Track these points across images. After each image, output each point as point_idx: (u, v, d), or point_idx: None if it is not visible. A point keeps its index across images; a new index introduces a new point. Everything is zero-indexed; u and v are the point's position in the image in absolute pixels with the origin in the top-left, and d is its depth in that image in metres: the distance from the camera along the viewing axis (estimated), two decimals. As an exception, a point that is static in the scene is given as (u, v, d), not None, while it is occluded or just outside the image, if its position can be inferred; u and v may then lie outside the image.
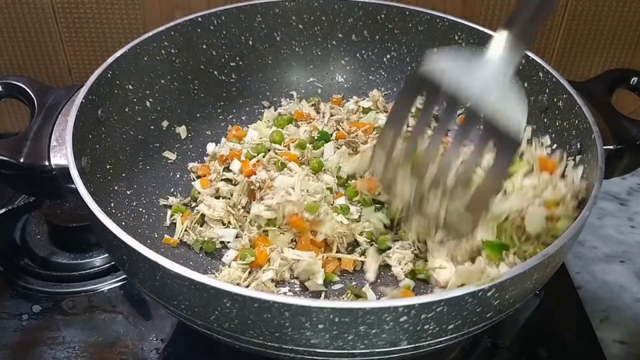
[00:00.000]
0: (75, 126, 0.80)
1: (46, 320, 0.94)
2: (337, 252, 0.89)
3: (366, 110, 1.11)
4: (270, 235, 0.89)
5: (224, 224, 0.93)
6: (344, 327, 0.61)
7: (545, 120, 0.96)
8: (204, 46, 1.07)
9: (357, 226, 0.91)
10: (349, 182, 0.99)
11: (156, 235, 0.92)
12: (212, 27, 1.06)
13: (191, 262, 0.90)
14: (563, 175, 0.88)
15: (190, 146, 1.07)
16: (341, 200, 0.95)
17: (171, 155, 1.04)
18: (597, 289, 1.06)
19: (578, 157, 0.87)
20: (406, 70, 1.14)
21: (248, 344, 0.67)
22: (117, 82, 0.94)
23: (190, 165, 1.04)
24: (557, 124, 0.93)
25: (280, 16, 1.11)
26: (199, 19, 1.04)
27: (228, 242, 0.92)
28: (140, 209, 0.93)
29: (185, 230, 0.92)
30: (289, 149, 1.02)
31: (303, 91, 1.16)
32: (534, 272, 0.66)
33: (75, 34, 1.24)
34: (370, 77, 1.17)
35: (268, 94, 1.16)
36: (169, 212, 0.95)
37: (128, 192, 0.93)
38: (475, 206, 0.75)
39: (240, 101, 1.13)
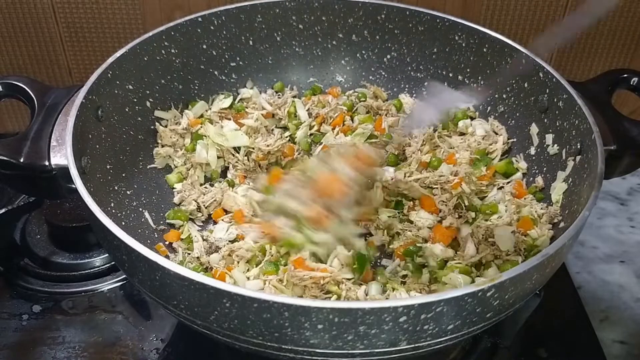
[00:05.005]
0: (75, 126, 0.80)
1: (46, 320, 0.94)
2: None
3: (364, 96, 1.12)
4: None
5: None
6: (343, 327, 0.61)
7: (546, 120, 0.96)
8: (204, 46, 1.07)
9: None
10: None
11: (156, 236, 0.92)
12: (212, 27, 1.06)
13: (191, 262, 0.90)
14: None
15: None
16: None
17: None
18: (597, 289, 1.06)
19: (578, 157, 0.87)
20: (406, 71, 1.14)
21: (248, 344, 0.67)
22: (117, 82, 0.94)
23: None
24: (558, 124, 0.93)
25: (281, 16, 1.11)
26: (199, 19, 1.04)
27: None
28: (140, 209, 0.93)
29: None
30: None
31: (303, 91, 1.16)
32: (533, 272, 0.66)
33: (75, 34, 1.24)
34: (371, 77, 1.17)
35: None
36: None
37: (128, 192, 0.93)
38: None
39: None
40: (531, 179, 0.98)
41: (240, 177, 1.01)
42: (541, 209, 0.90)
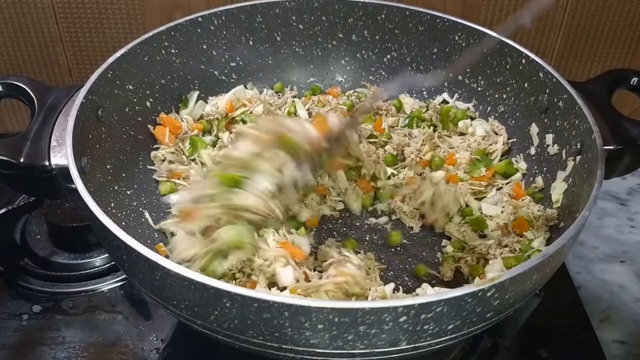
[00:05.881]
0: (75, 126, 0.80)
1: (46, 320, 0.94)
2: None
3: (364, 96, 1.13)
4: None
5: None
6: (343, 327, 0.61)
7: (546, 120, 0.96)
8: (204, 46, 1.07)
9: None
10: None
11: (156, 235, 0.92)
12: (212, 27, 1.06)
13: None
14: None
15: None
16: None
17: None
18: (597, 289, 1.06)
19: (578, 157, 0.87)
20: (406, 71, 1.14)
21: (248, 344, 0.67)
22: (117, 82, 0.94)
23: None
24: (558, 124, 0.93)
25: (280, 16, 1.11)
26: (199, 19, 1.04)
27: None
28: (140, 209, 0.93)
29: None
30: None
31: (303, 91, 1.16)
32: (533, 272, 0.66)
33: (75, 34, 1.24)
34: (371, 77, 1.17)
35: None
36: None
37: (128, 192, 0.93)
38: None
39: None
40: (531, 179, 0.98)
41: None
42: (538, 210, 0.90)
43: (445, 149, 1.04)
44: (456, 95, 1.11)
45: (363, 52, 1.15)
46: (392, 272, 0.88)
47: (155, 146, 1.01)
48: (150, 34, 0.99)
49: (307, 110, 1.11)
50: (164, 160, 1.00)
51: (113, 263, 1.01)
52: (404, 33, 1.11)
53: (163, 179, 0.98)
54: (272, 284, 0.82)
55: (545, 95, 0.95)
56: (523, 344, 0.94)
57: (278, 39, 1.13)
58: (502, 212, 0.92)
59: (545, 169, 0.96)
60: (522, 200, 0.94)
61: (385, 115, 1.11)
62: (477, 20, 1.18)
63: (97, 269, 1.02)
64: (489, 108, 1.08)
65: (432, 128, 1.08)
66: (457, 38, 1.06)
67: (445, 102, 1.12)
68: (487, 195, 0.97)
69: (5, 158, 0.79)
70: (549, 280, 0.73)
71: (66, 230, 1.04)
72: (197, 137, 1.03)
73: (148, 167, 0.99)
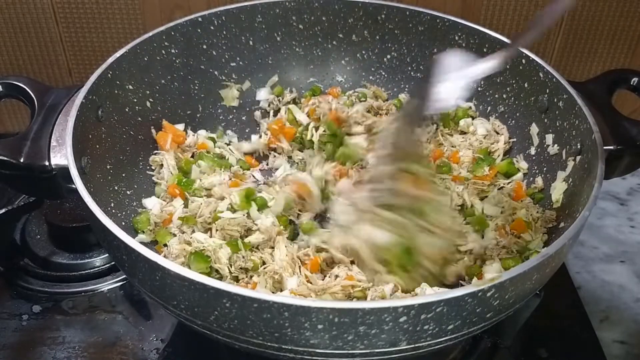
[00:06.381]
0: (75, 126, 0.80)
1: (46, 320, 0.94)
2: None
3: (364, 96, 1.12)
4: None
5: None
6: (343, 328, 0.61)
7: (546, 120, 0.96)
8: (204, 46, 1.07)
9: None
10: None
11: (156, 235, 0.92)
12: (212, 27, 1.06)
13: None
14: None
15: (190, 146, 1.06)
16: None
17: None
18: (597, 289, 1.06)
19: (578, 157, 0.87)
20: (406, 71, 1.14)
21: (247, 344, 0.67)
22: (117, 82, 0.94)
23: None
24: (558, 124, 0.93)
25: (281, 16, 1.11)
26: (199, 19, 1.04)
27: None
28: (140, 210, 0.93)
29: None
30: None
31: (303, 91, 1.16)
32: (533, 272, 0.66)
33: (75, 34, 1.24)
34: (371, 77, 1.17)
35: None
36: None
37: (128, 192, 0.93)
38: None
39: (241, 101, 1.14)
40: (531, 179, 0.98)
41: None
42: (537, 212, 0.90)
43: (447, 147, 1.04)
44: (456, 95, 1.11)
45: (363, 52, 1.15)
46: (392, 272, 0.88)
47: (155, 152, 1.01)
48: (150, 34, 0.99)
49: (306, 113, 1.11)
50: (161, 166, 1.00)
51: (113, 263, 1.01)
52: (404, 33, 1.11)
53: (161, 180, 0.98)
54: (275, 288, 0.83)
55: (545, 95, 0.95)
56: (523, 344, 0.94)
57: (278, 39, 1.13)
58: (501, 212, 0.92)
59: (545, 169, 0.96)
60: (522, 201, 0.94)
61: (386, 115, 1.11)
62: (477, 20, 1.18)
63: (97, 269, 1.02)
64: (489, 108, 1.08)
65: (434, 126, 1.08)
66: (457, 38, 1.06)
67: (445, 101, 1.12)
68: (488, 195, 0.96)
69: (5, 158, 0.79)
70: (549, 280, 0.73)
71: (66, 230, 1.04)
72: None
73: (148, 167, 0.99)
